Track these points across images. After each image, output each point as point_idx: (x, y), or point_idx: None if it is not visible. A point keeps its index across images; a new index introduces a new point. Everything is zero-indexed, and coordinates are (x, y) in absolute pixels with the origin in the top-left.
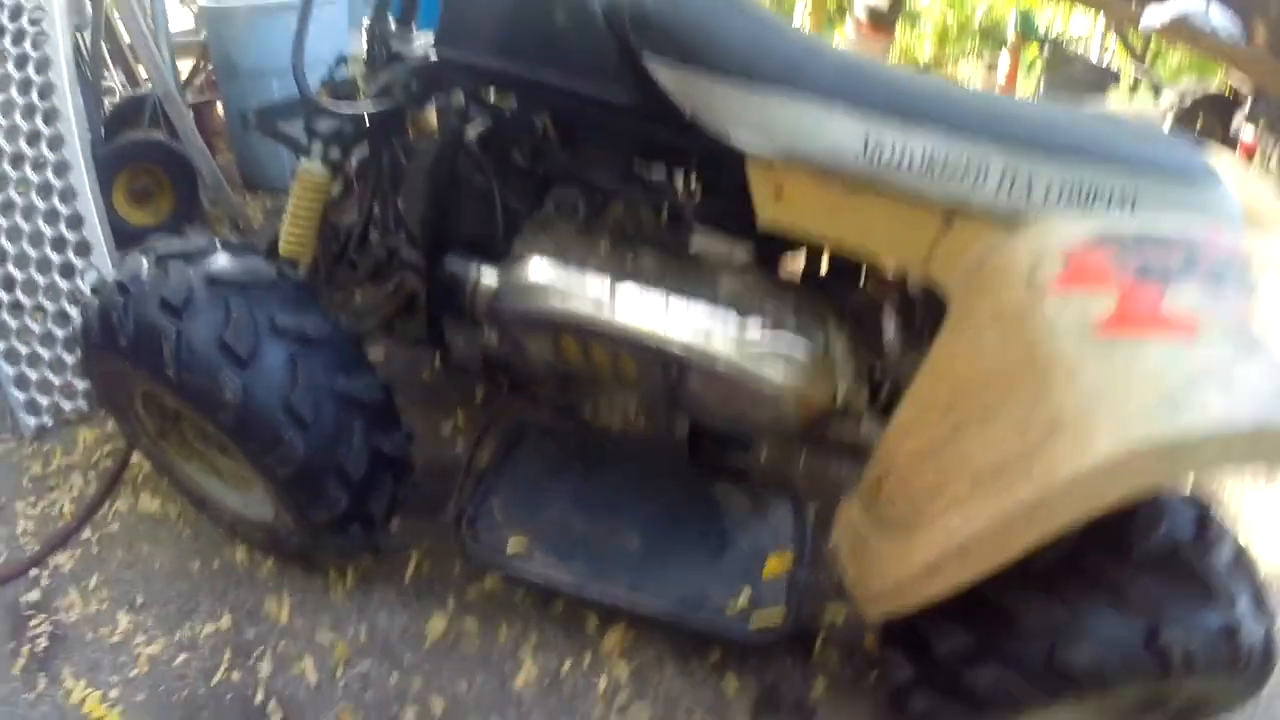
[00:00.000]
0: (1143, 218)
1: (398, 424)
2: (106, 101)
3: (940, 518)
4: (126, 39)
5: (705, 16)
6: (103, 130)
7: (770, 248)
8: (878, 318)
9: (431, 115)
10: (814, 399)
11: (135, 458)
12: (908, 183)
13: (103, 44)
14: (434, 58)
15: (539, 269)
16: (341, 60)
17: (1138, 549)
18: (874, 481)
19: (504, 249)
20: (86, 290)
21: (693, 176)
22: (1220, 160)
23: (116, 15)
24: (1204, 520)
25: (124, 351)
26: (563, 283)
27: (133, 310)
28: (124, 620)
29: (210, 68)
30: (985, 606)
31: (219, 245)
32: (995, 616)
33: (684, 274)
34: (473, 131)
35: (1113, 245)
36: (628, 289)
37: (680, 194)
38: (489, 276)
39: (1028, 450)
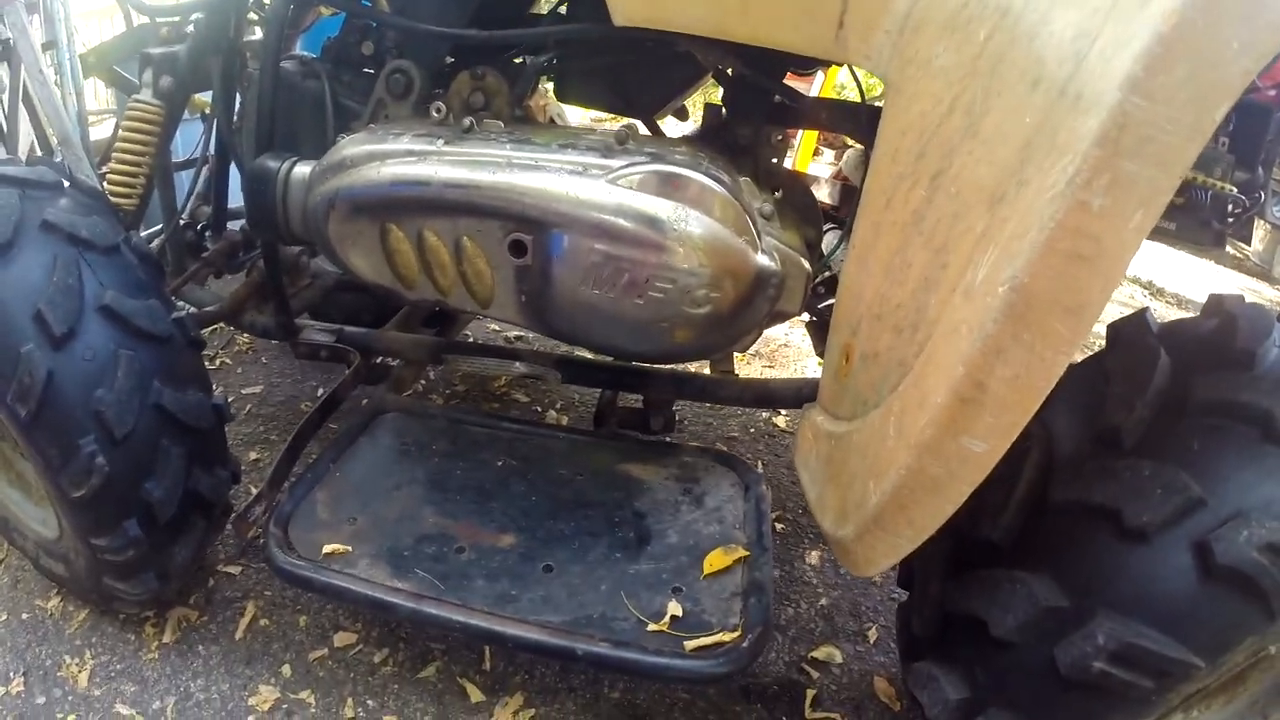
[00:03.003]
0: None
1: (224, 460)
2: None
3: (956, 299)
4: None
5: None
6: None
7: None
8: (806, 188)
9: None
10: (728, 251)
11: None
12: None
13: (20, 108)
14: None
15: (356, 143)
16: None
17: None
18: (839, 356)
19: None
20: None
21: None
22: None
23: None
24: None
25: None
26: (383, 149)
27: None
28: None
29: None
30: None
31: (68, 186)
32: (1082, 536)
33: (539, 131)
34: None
35: None
36: (464, 146)
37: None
38: (302, 166)
39: (1056, 93)
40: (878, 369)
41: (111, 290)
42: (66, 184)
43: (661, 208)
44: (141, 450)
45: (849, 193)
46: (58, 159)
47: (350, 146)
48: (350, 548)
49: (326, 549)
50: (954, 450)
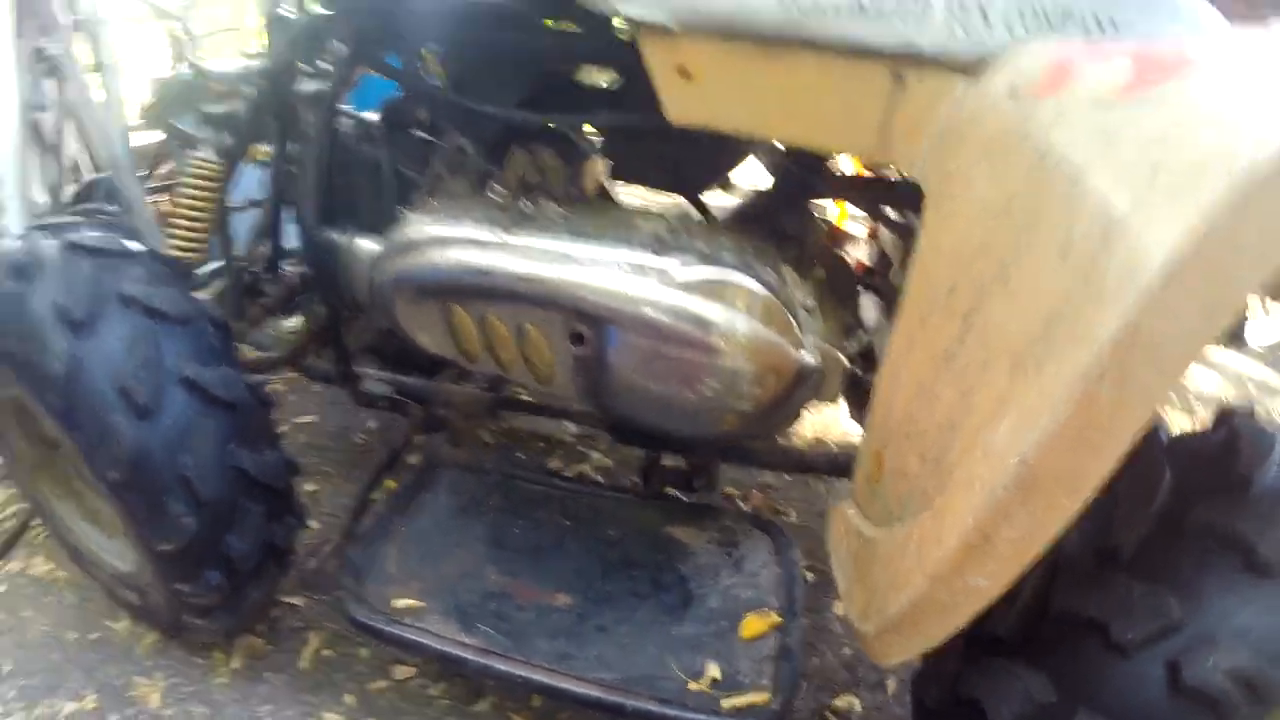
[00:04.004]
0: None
1: (294, 509)
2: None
3: (976, 452)
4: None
5: None
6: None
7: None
8: (847, 269)
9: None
10: (771, 351)
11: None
12: (836, 31)
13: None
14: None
15: (420, 225)
16: None
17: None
18: (871, 461)
19: None
20: None
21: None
22: None
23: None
24: None
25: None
26: (447, 234)
27: (23, 302)
28: None
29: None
30: (1055, 633)
31: (143, 253)
32: (1075, 642)
33: (594, 216)
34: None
35: (1101, 42)
36: (525, 236)
37: (587, 137)
38: (367, 243)
39: (1081, 273)
40: (905, 486)
41: (190, 363)
42: (132, 245)
43: (712, 311)
44: (223, 509)
45: (885, 255)
46: (104, 173)
47: (413, 228)
48: (422, 603)
49: (398, 603)
50: (961, 585)
